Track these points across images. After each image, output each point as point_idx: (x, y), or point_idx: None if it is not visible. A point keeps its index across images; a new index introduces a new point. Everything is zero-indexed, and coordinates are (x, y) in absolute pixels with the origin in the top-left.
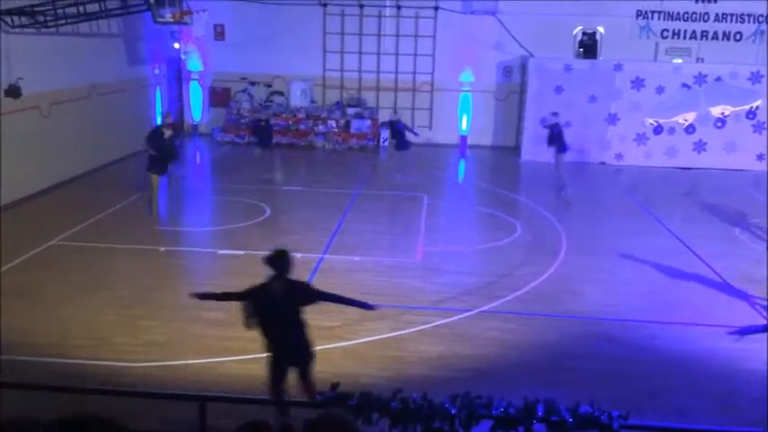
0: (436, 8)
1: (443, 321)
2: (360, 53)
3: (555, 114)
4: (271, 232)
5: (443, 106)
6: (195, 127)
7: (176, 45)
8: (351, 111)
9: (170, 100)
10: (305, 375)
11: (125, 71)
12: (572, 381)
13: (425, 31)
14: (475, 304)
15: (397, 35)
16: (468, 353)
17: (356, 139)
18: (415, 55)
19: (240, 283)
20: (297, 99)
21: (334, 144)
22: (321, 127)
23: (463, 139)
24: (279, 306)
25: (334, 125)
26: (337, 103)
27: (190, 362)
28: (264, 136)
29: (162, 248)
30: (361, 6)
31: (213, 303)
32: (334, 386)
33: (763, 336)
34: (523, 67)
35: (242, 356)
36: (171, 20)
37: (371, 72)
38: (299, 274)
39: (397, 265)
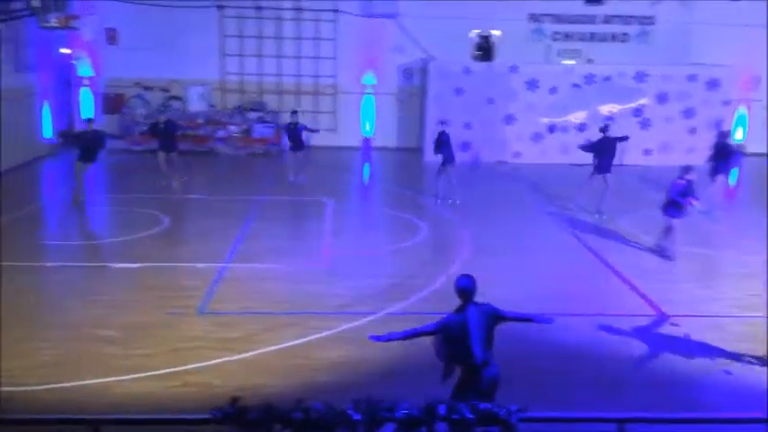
0: (336, 11)
1: (350, 326)
2: (259, 56)
3: (442, 123)
4: (168, 243)
5: (347, 109)
6: None
7: (65, 50)
8: (252, 115)
9: (59, 107)
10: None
11: (11, 78)
12: None
13: (326, 33)
14: (380, 307)
15: (298, 38)
16: (374, 356)
17: (259, 143)
18: (317, 58)
19: (136, 297)
20: (195, 104)
21: (235, 149)
22: (221, 132)
23: (367, 141)
24: (479, 331)
25: (235, 130)
26: (238, 107)
27: (84, 383)
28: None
29: (49, 264)
30: (259, 9)
31: (107, 321)
32: (234, 400)
33: (651, 325)
34: (424, 70)
35: (139, 374)
36: (57, 24)
37: (272, 75)
38: (197, 284)
39: (302, 271)
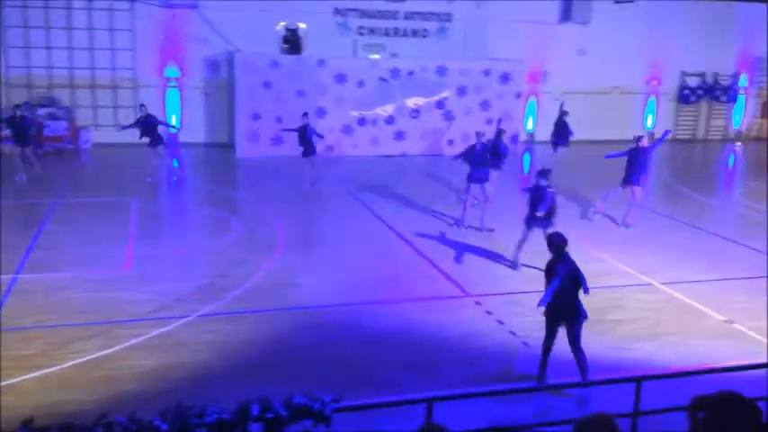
0: (133, 0)
1: (159, 331)
2: (47, 48)
3: (305, 115)
4: None
5: (149, 103)
6: None
7: None
8: (42, 111)
9: None
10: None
11: None
12: (295, 373)
13: (122, 24)
14: (191, 309)
15: (91, 29)
16: (186, 360)
17: (51, 141)
18: (113, 50)
19: None
20: None
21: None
22: (6, 131)
23: (173, 137)
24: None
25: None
26: (25, 103)
27: None
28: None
29: None
30: None
31: None
32: (27, 422)
33: (459, 305)
34: (230, 63)
35: None
36: None
37: (64, 68)
38: None
39: (104, 278)
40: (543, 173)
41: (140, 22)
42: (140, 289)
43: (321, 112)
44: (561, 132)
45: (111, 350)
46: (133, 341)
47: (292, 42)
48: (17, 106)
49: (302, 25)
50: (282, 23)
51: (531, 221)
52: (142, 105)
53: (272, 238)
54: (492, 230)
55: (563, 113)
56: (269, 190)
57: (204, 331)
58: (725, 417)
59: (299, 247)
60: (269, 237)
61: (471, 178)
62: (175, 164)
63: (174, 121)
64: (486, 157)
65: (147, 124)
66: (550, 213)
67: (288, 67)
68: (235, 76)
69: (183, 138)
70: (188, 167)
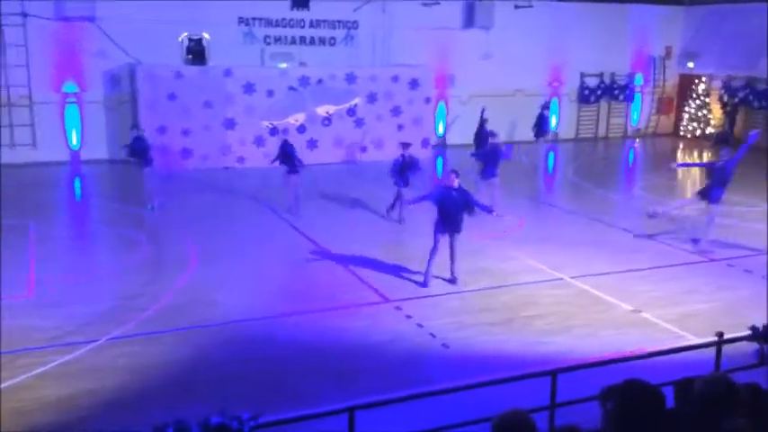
0: (24, 14)
1: (66, 358)
2: None
3: (283, 131)
4: None
5: (47, 121)
6: None
7: None
8: None
9: None
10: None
11: None
12: (213, 392)
13: (15, 39)
14: (101, 333)
15: None
16: (98, 386)
17: None
18: (5, 66)
19: None
20: None
21: None
22: None
23: (75, 154)
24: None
25: None
26: None
27: None
28: None
29: None
30: None
31: None
32: None
33: (379, 311)
34: (132, 76)
35: None
36: None
37: None
38: None
39: (6, 304)
40: (455, 172)
41: (34, 36)
42: (45, 314)
43: (230, 124)
44: (481, 138)
45: (17, 380)
46: (40, 370)
47: (196, 53)
48: None
49: (206, 35)
50: (185, 34)
51: (441, 228)
52: (134, 127)
53: (184, 255)
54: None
55: (484, 120)
56: (178, 205)
57: (116, 355)
58: (631, 405)
59: (213, 262)
60: (180, 253)
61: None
62: (77, 184)
63: (74, 140)
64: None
65: (138, 146)
66: (464, 214)
67: (193, 78)
68: (137, 89)
69: (84, 155)
70: (91, 185)
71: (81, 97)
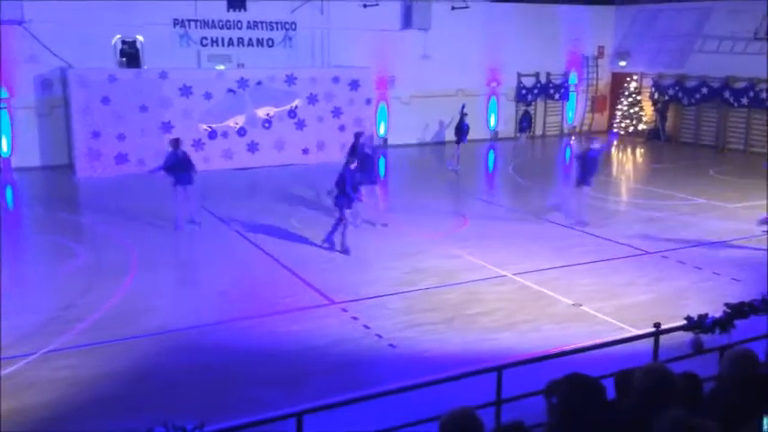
0: None
1: (4, 373)
2: None
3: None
4: None
5: None
6: None
7: None
8: None
9: None
10: None
11: None
12: (157, 402)
13: None
14: (37, 346)
15: None
16: (36, 401)
17: None
18: None
19: None
20: None
21: None
22: None
23: (6, 161)
24: None
25: None
26: None
27: None
28: None
29: None
30: None
31: None
32: None
33: (324, 314)
34: (64, 80)
35: None
36: None
37: None
38: None
39: None
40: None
41: None
42: None
43: (167, 127)
44: (462, 131)
45: None
46: None
47: (130, 55)
48: None
49: (140, 37)
50: (118, 36)
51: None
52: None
53: (123, 262)
54: (385, 225)
55: (464, 115)
56: (115, 211)
57: (54, 368)
58: (573, 398)
59: (153, 269)
60: (118, 261)
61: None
62: (9, 192)
63: (4, 146)
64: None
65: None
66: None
67: (127, 81)
68: (70, 93)
69: (15, 162)
70: (23, 193)
71: (11, 103)
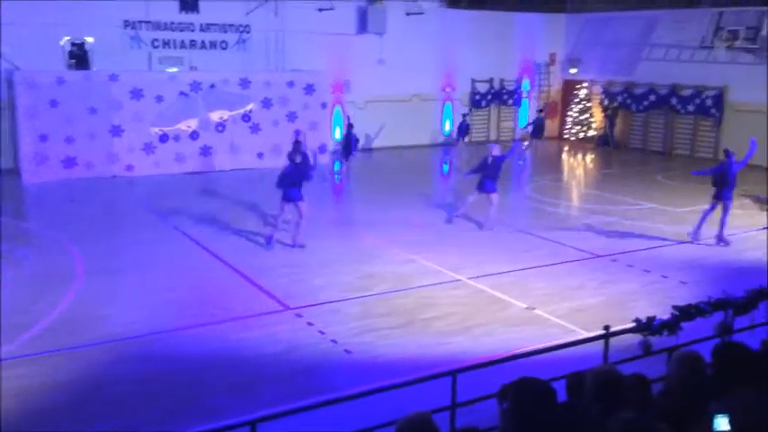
0: None
1: None
2: None
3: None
4: None
5: None
6: None
7: None
8: None
9: None
10: None
11: None
12: (109, 412)
13: None
14: None
15: None
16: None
17: None
18: None
19: None
20: None
21: None
22: None
23: None
24: None
25: None
26: None
27: None
28: None
29: None
30: None
31: None
32: None
33: (279, 320)
34: (10, 82)
35: None
36: None
37: None
38: None
39: None
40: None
41: None
42: None
43: (117, 131)
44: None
45: None
46: None
47: (79, 57)
48: None
49: (89, 39)
50: (67, 38)
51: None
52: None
53: (70, 269)
54: (303, 247)
55: (350, 126)
56: (62, 216)
57: (1, 378)
58: (524, 402)
59: (102, 276)
60: (66, 267)
61: (286, 197)
62: None
63: None
64: (299, 176)
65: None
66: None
67: (76, 83)
68: (16, 95)
69: None
70: None
71: None
